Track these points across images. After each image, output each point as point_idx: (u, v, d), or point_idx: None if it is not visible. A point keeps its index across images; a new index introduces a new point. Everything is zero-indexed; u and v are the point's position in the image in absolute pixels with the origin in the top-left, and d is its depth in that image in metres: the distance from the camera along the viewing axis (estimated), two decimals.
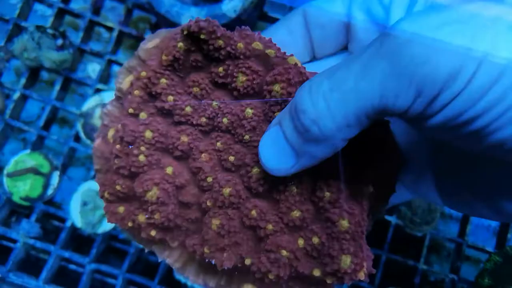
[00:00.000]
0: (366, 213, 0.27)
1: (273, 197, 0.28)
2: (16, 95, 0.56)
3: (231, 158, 0.28)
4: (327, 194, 0.26)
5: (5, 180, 0.52)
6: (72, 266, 0.56)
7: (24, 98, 0.58)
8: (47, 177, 0.52)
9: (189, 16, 0.54)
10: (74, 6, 0.58)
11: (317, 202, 0.27)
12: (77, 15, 0.58)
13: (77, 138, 0.56)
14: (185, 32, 0.28)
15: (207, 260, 0.28)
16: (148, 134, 0.28)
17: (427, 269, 0.51)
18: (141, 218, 0.28)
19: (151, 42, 0.31)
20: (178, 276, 0.50)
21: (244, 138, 0.28)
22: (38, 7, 0.64)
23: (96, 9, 0.60)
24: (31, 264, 0.55)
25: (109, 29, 0.59)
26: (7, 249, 0.54)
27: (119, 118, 0.31)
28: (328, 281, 0.27)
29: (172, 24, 0.54)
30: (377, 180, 0.28)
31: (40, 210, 0.54)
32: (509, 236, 0.52)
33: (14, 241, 0.53)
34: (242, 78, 0.28)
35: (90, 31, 0.60)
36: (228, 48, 0.28)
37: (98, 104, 0.54)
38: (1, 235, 0.54)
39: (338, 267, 0.25)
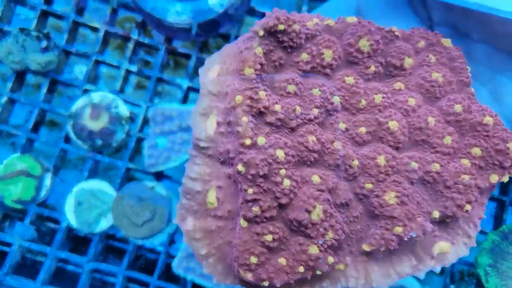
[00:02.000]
0: None
1: (415, 140, 0.27)
2: (3, 100, 0.56)
3: (362, 130, 0.26)
4: (458, 106, 0.26)
5: None
6: (70, 267, 0.55)
7: (11, 102, 0.57)
8: (39, 179, 0.52)
9: (174, 11, 0.53)
10: (57, 7, 0.58)
11: (454, 120, 0.26)
12: (60, 17, 0.58)
13: (67, 140, 0.56)
14: (260, 33, 0.27)
15: (398, 243, 0.25)
16: (280, 153, 0.25)
17: None
18: (313, 249, 0.24)
19: (211, 71, 0.28)
20: (177, 271, 0.49)
21: (361, 105, 0.27)
22: (21, 11, 0.63)
23: (80, 10, 0.59)
24: (28, 267, 0.54)
25: (95, 30, 0.59)
26: (3, 254, 0.53)
27: (214, 173, 0.27)
28: (505, 179, 0.26)
29: (158, 21, 0.53)
30: None
31: (34, 213, 0.53)
32: (505, 217, 0.52)
33: (9, 245, 0.53)
34: (328, 52, 0.27)
35: (74, 32, 0.59)
36: (304, 30, 0.27)
37: (87, 104, 0.53)
38: None
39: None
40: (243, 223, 0.25)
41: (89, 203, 0.52)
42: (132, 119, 0.56)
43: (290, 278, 0.24)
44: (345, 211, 0.26)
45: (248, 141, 0.25)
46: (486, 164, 0.26)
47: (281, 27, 0.27)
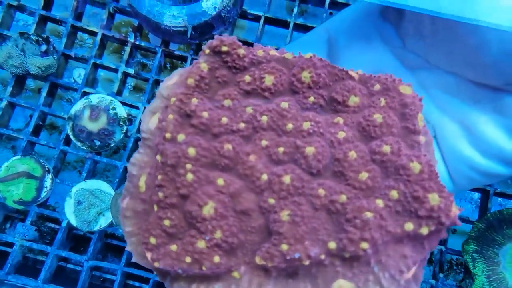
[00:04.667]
0: (429, 156, 0.26)
1: (334, 170, 0.26)
2: (3, 104, 0.57)
3: (281, 149, 0.27)
4: (387, 147, 0.26)
5: None
6: (71, 266, 0.57)
7: (11, 106, 0.59)
8: (40, 180, 0.53)
9: (170, 15, 0.55)
10: (56, 13, 0.60)
11: (380, 159, 0.26)
12: (59, 22, 0.60)
13: (66, 143, 0.57)
14: (206, 51, 0.29)
15: (284, 263, 0.25)
16: (191, 150, 0.26)
17: None
18: (201, 243, 0.25)
19: (170, 80, 0.31)
20: None
21: (287, 127, 0.27)
22: (20, 17, 0.65)
23: (78, 15, 0.61)
24: (29, 267, 0.56)
25: (92, 34, 0.60)
26: (5, 254, 0.54)
27: (150, 162, 0.29)
28: (424, 231, 0.24)
29: (154, 25, 0.55)
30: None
31: (35, 213, 0.54)
32: (490, 206, 0.55)
33: (11, 245, 0.54)
34: (269, 77, 0.28)
35: (73, 37, 0.61)
36: (250, 55, 0.29)
37: (86, 106, 0.55)
38: None
39: (430, 206, 0.24)
40: (155, 207, 0.27)
41: (88, 202, 0.53)
42: (130, 120, 0.57)
43: (175, 265, 0.25)
44: (245, 219, 0.26)
45: (168, 135, 0.27)
46: (403, 209, 0.25)
47: (225, 48, 0.29)
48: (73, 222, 0.52)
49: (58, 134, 0.66)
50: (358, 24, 0.36)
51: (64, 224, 0.54)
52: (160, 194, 0.26)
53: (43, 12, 0.59)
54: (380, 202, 0.25)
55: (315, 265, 0.25)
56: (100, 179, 0.55)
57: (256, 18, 0.60)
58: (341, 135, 0.27)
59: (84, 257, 0.53)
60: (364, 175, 0.25)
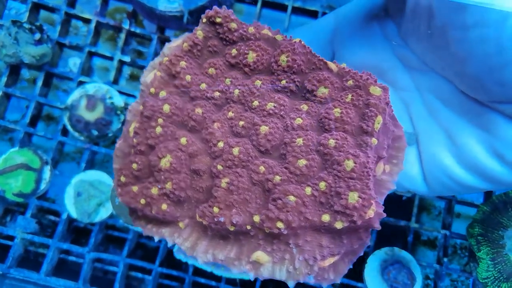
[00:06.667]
0: (371, 160, 0.27)
1: (280, 153, 0.28)
2: None
3: (241, 123, 0.29)
4: (332, 141, 0.27)
5: None
6: (72, 258, 0.56)
7: (7, 97, 0.57)
8: (39, 171, 0.52)
9: (165, 0, 0.54)
10: (49, 0, 0.58)
11: (323, 151, 0.27)
12: (52, 9, 0.58)
13: (64, 133, 0.56)
14: (203, 20, 0.31)
15: (214, 224, 0.27)
16: (166, 107, 0.30)
17: (419, 227, 0.53)
18: (154, 190, 0.29)
19: (175, 42, 0.34)
20: (178, 256, 0.50)
21: (253, 104, 0.30)
22: (12, 5, 0.63)
23: (71, 2, 0.59)
24: (30, 260, 0.55)
25: (87, 21, 0.59)
26: (6, 247, 0.54)
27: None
28: (338, 225, 0.26)
29: (149, 10, 0.54)
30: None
31: (35, 206, 0.54)
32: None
33: (12, 238, 0.53)
34: (252, 54, 0.30)
35: (67, 24, 0.59)
36: (241, 31, 0.31)
37: (83, 95, 0.54)
38: None
39: (346, 203, 0.25)
40: (132, 150, 0.30)
41: (88, 194, 0.52)
42: (127, 109, 0.56)
43: (132, 203, 0.29)
44: (196, 178, 0.29)
45: (152, 90, 0.31)
46: (326, 201, 0.26)
47: (219, 20, 0.31)
48: (74, 214, 0.52)
49: (55, 125, 0.65)
50: (362, 18, 0.36)
51: (64, 216, 0.53)
52: (135, 140, 0.30)
53: (36, 0, 0.57)
54: (308, 190, 0.27)
55: (243, 233, 0.28)
56: (99, 170, 0.55)
57: (254, 1, 0.58)
58: (298, 121, 0.28)
59: (85, 249, 0.53)
60: (302, 162, 0.27)
